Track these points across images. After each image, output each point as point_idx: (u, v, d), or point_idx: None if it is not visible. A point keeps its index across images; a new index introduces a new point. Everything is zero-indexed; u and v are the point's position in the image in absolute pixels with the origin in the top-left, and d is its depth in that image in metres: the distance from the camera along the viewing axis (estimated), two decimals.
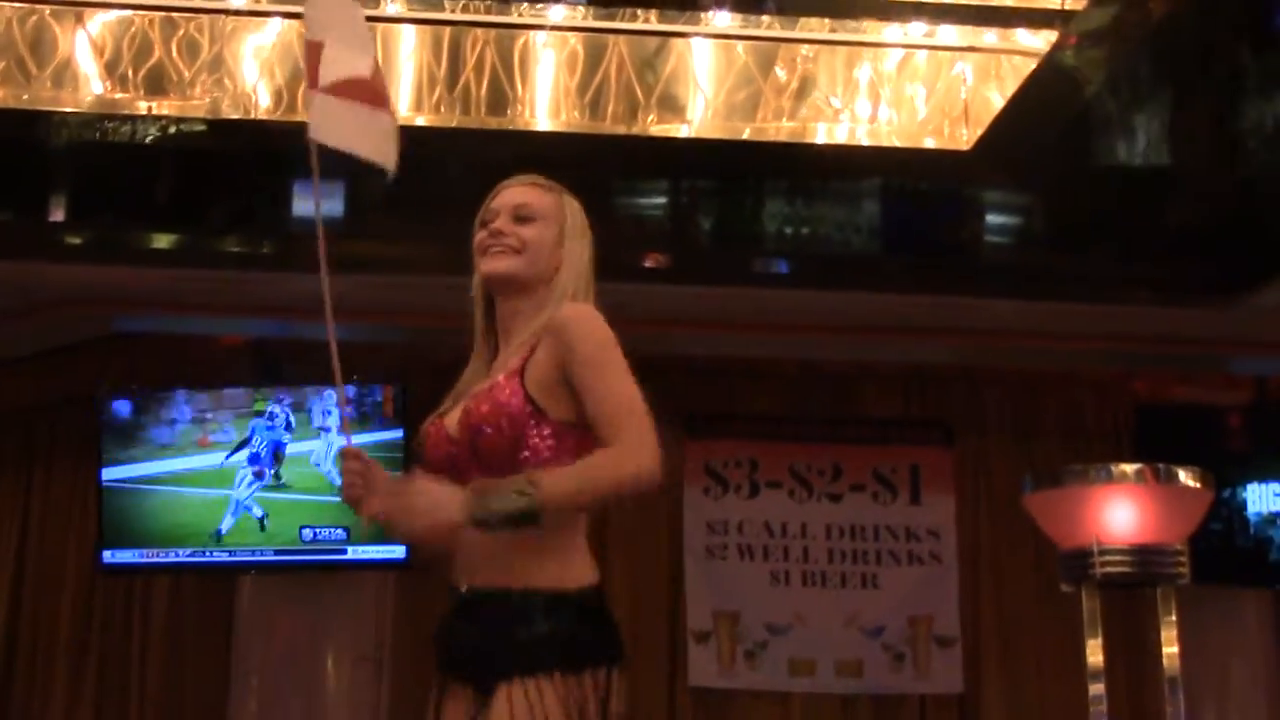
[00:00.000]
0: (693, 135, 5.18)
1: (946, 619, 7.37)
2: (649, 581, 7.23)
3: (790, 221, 6.09)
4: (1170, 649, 3.77)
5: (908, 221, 5.99)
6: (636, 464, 2.39)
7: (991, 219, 6.27)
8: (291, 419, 6.69)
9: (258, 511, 6.67)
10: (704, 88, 5.03)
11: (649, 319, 5.38)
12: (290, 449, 6.69)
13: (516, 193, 2.72)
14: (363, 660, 6.92)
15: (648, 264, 5.91)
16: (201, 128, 5.08)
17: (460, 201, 5.66)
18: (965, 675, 7.34)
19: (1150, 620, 7.31)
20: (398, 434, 6.48)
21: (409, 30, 5.07)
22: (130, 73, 4.90)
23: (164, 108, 4.99)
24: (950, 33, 4.92)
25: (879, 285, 6.30)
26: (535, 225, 2.67)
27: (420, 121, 5.21)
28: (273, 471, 6.69)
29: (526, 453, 2.50)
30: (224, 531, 6.65)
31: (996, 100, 5.29)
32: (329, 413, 6.65)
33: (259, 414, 6.69)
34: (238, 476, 6.69)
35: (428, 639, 7.13)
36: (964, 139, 5.25)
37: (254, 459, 6.69)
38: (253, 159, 5.30)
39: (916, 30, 4.90)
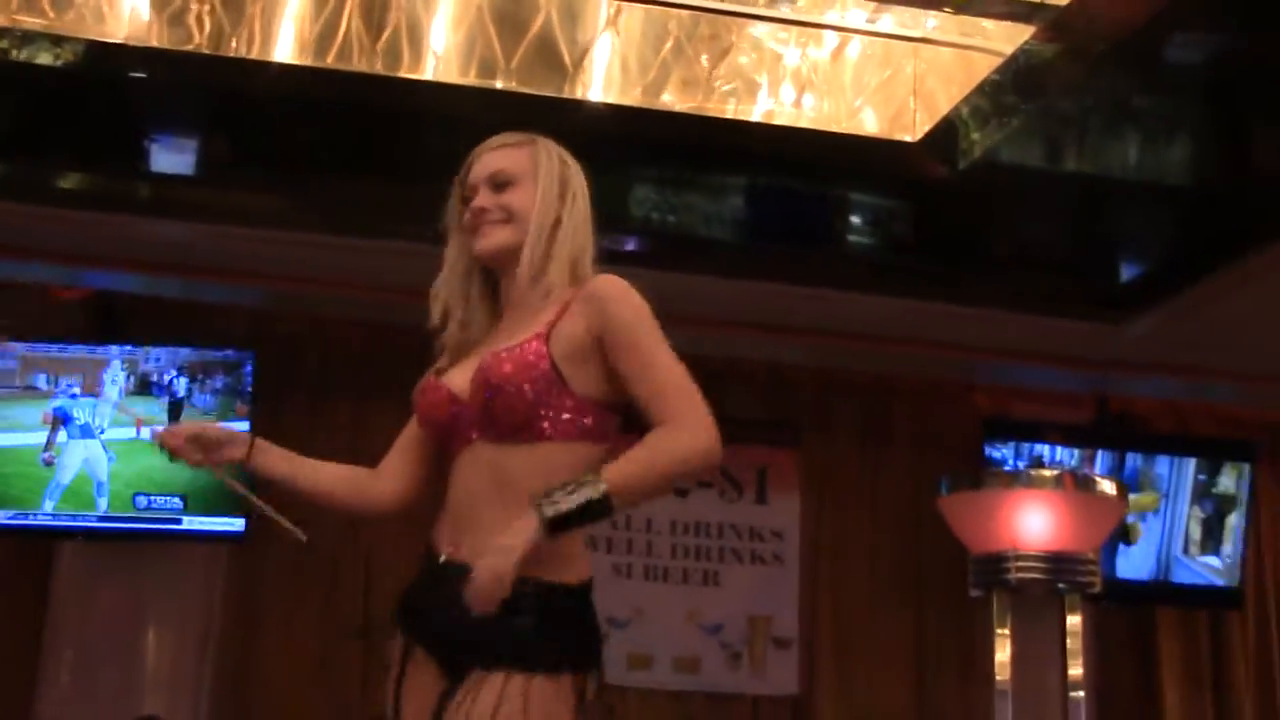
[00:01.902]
0: (582, 98, 4.73)
1: (785, 620, 7.08)
2: None
3: (659, 206, 5.73)
4: (1075, 658, 3.45)
5: (798, 210, 5.68)
6: (698, 442, 2.21)
7: (868, 215, 5.98)
8: (132, 380, 6.07)
9: (95, 475, 6.04)
10: (608, 53, 4.59)
11: None
12: (129, 410, 6.07)
13: (488, 160, 2.50)
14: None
15: None
16: (56, 49, 4.49)
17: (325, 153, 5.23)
18: (800, 676, 7.06)
19: (977, 629, 7.29)
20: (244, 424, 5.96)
21: None
22: None
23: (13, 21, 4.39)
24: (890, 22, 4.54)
25: (741, 273, 5.96)
26: (516, 189, 2.46)
27: (284, 58, 4.68)
28: (103, 434, 6.07)
29: (545, 423, 2.29)
30: (50, 495, 6.01)
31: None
32: (174, 375, 6.06)
33: (96, 372, 6.06)
34: (68, 437, 6.06)
35: (259, 616, 6.66)
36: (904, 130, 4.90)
37: (81, 422, 6.05)
38: (111, 87, 4.71)
39: (856, 18, 4.51)
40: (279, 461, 2.55)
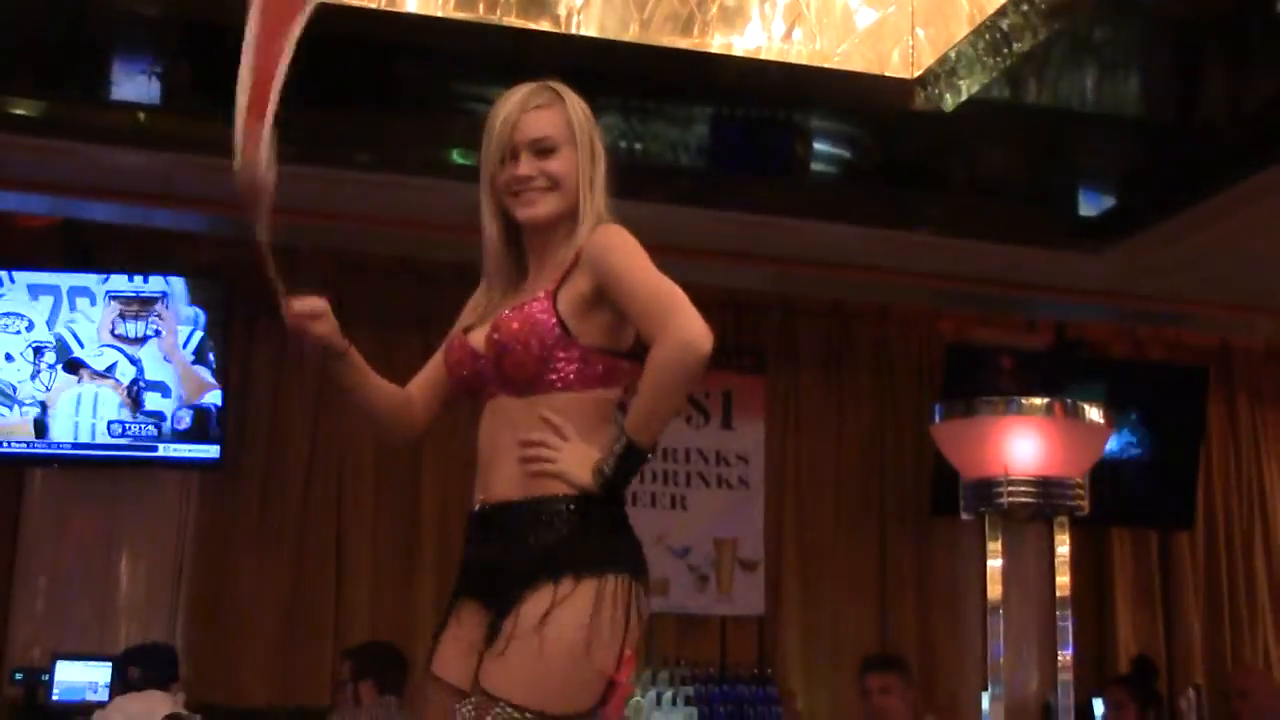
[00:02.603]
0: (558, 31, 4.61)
1: (751, 542, 7.10)
2: (461, 495, 6.69)
3: (626, 134, 5.63)
4: (1062, 579, 3.47)
5: (752, 139, 5.59)
6: (677, 345, 2.24)
7: (825, 144, 5.92)
8: (105, 308, 5.97)
9: (70, 402, 5.94)
10: None
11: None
12: (103, 339, 5.97)
13: (529, 125, 2.45)
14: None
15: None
16: None
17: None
18: (766, 597, 7.07)
19: (935, 552, 7.34)
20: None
21: None
22: None
23: None
24: None
25: (708, 202, 5.89)
26: (558, 156, 2.45)
27: None
28: (80, 361, 5.97)
29: (553, 375, 2.35)
30: (19, 422, 5.90)
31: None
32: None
33: (68, 300, 5.95)
34: (40, 365, 5.95)
35: (230, 544, 6.58)
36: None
37: (61, 347, 5.95)
38: (76, 12, 4.57)
39: None
40: (355, 373, 2.50)
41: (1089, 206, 6.21)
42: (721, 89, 5.10)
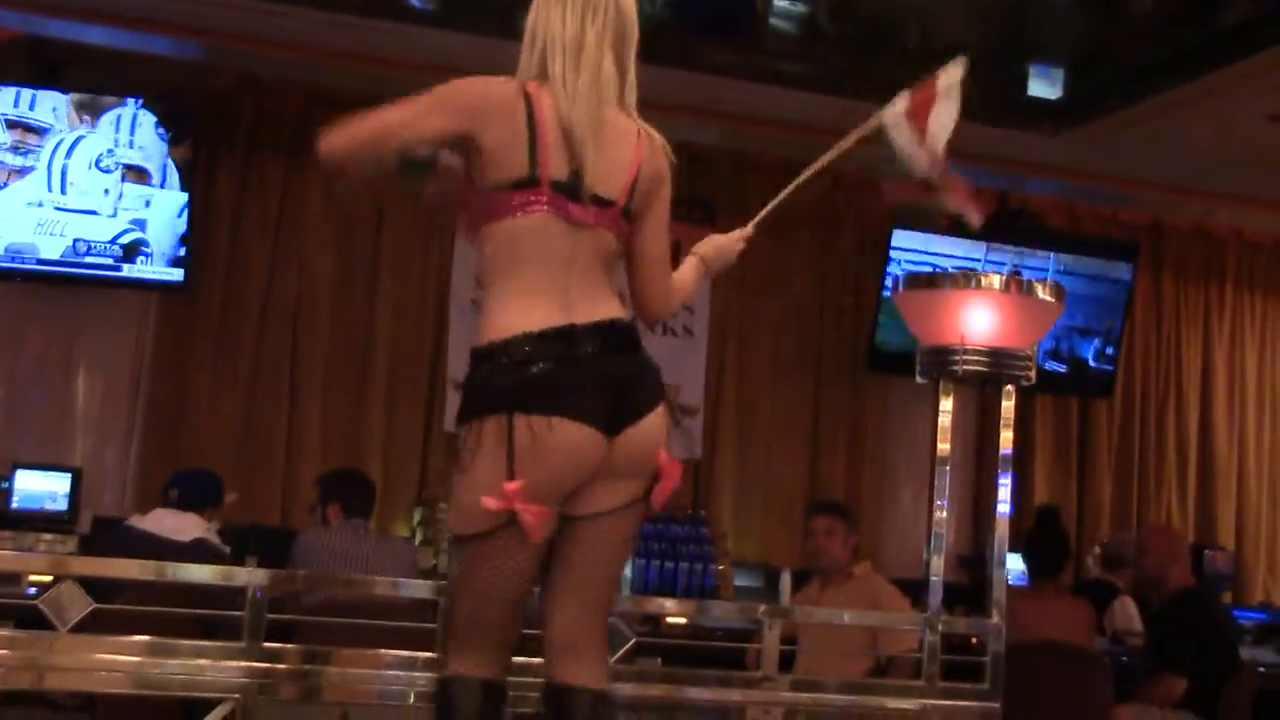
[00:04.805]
0: None
1: (692, 389, 7.18)
2: (413, 327, 6.79)
3: None
4: (1007, 434, 3.62)
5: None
6: None
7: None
8: (74, 125, 5.88)
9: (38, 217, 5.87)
10: None
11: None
12: (73, 157, 5.88)
13: None
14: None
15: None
16: None
17: None
18: (703, 442, 7.20)
19: (867, 408, 7.49)
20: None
21: None
22: None
23: None
24: None
25: (660, 59, 5.87)
26: None
27: None
28: (49, 178, 5.87)
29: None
30: None
31: None
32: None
33: (35, 117, 5.84)
34: (5, 179, 5.85)
35: (186, 362, 6.54)
36: None
37: (24, 163, 5.85)
38: None
39: None
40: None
41: (1041, 89, 6.26)
42: None
